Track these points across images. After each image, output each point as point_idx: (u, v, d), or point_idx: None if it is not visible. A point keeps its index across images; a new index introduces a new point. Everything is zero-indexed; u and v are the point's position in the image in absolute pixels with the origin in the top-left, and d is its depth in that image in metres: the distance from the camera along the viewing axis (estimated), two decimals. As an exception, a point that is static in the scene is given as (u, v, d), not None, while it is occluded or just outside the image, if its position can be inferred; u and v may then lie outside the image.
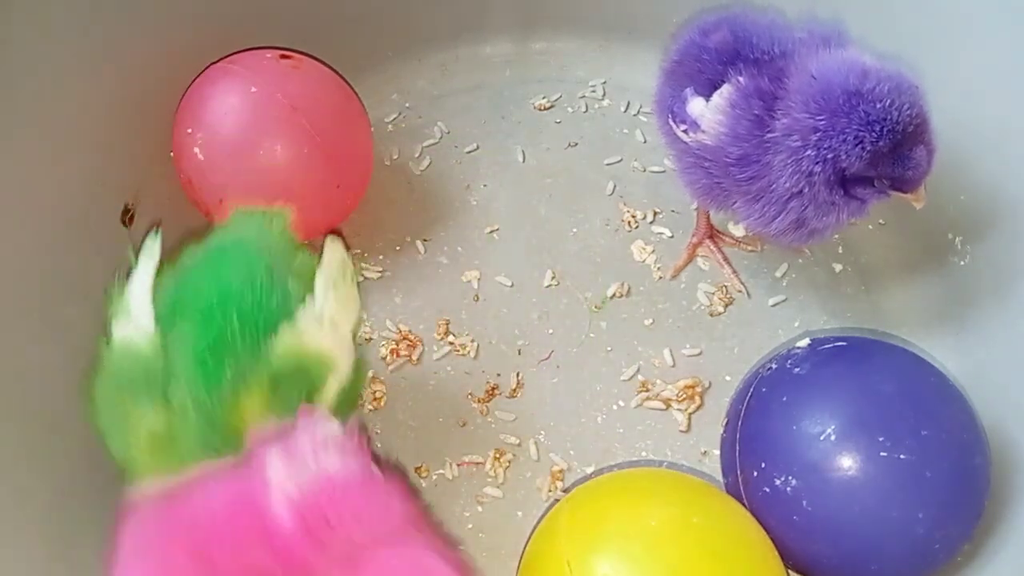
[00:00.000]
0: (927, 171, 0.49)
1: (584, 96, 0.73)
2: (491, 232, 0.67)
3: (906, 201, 0.51)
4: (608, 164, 0.70)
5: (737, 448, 0.53)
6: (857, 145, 0.47)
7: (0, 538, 0.46)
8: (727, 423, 0.57)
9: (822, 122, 0.48)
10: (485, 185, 0.69)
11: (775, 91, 0.51)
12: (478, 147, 0.71)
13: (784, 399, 0.51)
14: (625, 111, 0.72)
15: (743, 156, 0.52)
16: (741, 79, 0.52)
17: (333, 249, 0.48)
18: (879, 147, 0.47)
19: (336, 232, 0.53)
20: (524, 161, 0.70)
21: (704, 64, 0.54)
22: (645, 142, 0.71)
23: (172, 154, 0.60)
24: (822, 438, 0.48)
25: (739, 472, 0.52)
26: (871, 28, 0.54)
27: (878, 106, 0.47)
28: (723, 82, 0.53)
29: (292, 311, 0.43)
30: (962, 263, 0.60)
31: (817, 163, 0.49)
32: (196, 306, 0.42)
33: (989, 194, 0.58)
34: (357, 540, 0.36)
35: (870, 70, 0.47)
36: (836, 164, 0.49)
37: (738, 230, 0.67)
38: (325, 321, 0.44)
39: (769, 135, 0.50)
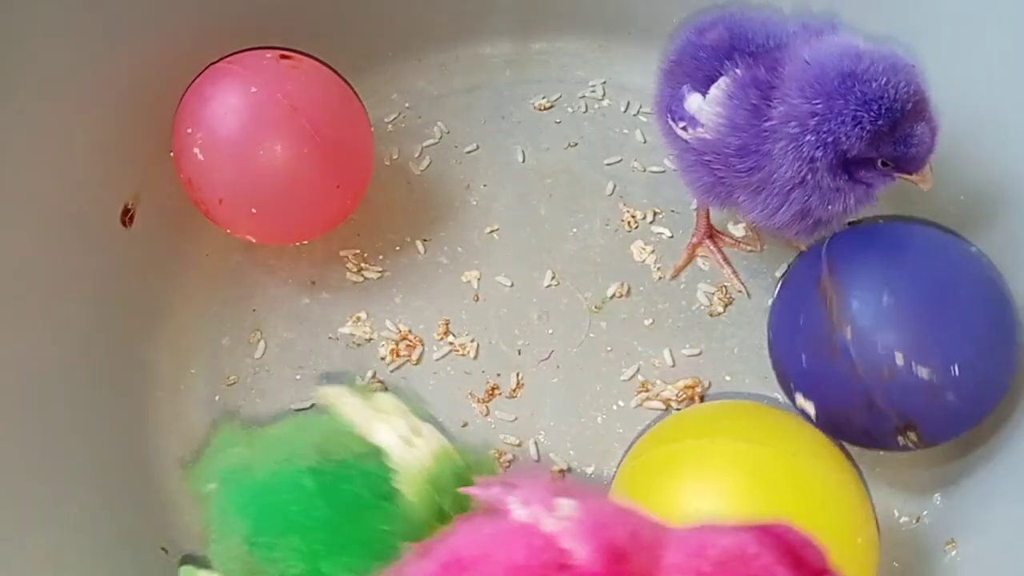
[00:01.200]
0: (931, 148, 0.49)
1: (584, 96, 0.73)
2: (491, 232, 0.67)
3: (913, 184, 0.50)
4: (608, 164, 0.70)
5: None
6: (856, 126, 0.47)
7: (0, 538, 0.46)
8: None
9: (819, 106, 0.48)
10: (485, 185, 0.69)
11: (771, 80, 0.50)
12: (478, 147, 0.71)
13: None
14: (625, 111, 0.72)
15: (742, 146, 0.52)
16: (738, 71, 0.52)
17: (336, 396, 0.49)
18: (879, 126, 0.47)
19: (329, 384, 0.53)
20: (524, 161, 0.70)
21: (701, 62, 0.54)
22: (645, 142, 0.71)
23: (172, 154, 0.60)
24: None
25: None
26: (868, 26, 0.54)
27: (874, 85, 0.46)
28: (720, 76, 0.53)
29: (377, 460, 0.44)
30: (962, 263, 0.60)
31: (818, 148, 0.48)
32: (344, 542, 0.43)
33: (989, 194, 0.58)
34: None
35: (864, 52, 0.47)
36: (837, 147, 0.48)
37: (738, 230, 0.67)
38: (409, 439, 0.45)
39: (767, 123, 0.50)
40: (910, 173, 0.50)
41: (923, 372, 0.48)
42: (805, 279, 0.53)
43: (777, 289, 0.57)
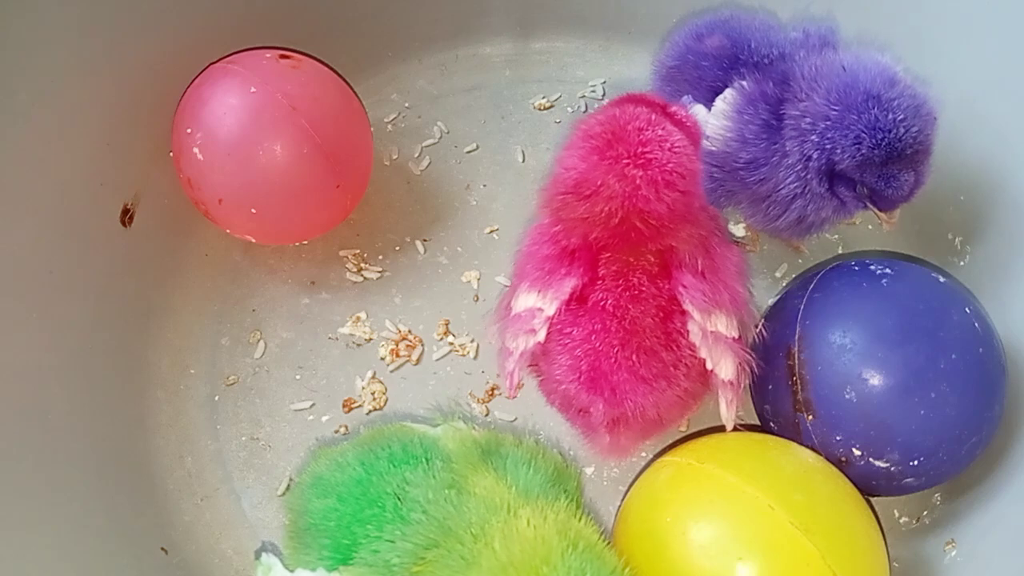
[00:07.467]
0: (906, 198, 0.50)
1: (584, 96, 0.73)
2: (491, 232, 0.67)
3: (876, 216, 0.52)
4: (608, 164, 0.70)
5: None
6: (854, 144, 0.48)
7: (0, 538, 0.46)
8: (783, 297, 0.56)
9: (834, 112, 0.48)
10: (485, 185, 0.69)
11: (780, 94, 0.51)
12: (478, 147, 0.71)
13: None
14: (625, 111, 0.72)
15: (752, 160, 0.53)
16: (744, 84, 0.53)
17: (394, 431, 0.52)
18: (872, 155, 0.48)
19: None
20: (524, 161, 0.70)
21: (704, 71, 0.55)
22: (645, 142, 0.70)
23: (172, 154, 0.60)
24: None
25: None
26: (868, 27, 0.54)
27: (889, 117, 0.47)
28: (724, 87, 0.53)
29: (433, 450, 0.49)
30: (962, 263, 0.60)
31: (815, 150, 0.50)
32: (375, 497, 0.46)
33: (989, 194, 0.58)
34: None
35: (898, 83, 0.48)
36: (830, 156, 0.49)
37: (738, 230, 0.67)
38: (458, 426, 0.51)
39: (787, 121, 0.51)
40: (880, 209, 0.51)
41: (881, 464, 0.49)
42: (778, 338, 0.52)
43: (761, 321, 0.54)
